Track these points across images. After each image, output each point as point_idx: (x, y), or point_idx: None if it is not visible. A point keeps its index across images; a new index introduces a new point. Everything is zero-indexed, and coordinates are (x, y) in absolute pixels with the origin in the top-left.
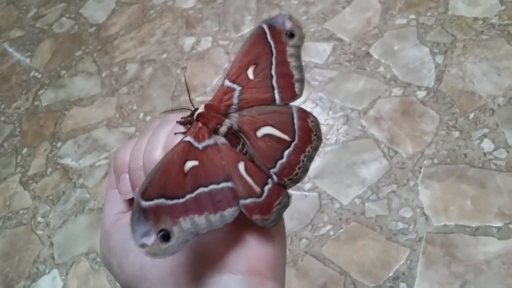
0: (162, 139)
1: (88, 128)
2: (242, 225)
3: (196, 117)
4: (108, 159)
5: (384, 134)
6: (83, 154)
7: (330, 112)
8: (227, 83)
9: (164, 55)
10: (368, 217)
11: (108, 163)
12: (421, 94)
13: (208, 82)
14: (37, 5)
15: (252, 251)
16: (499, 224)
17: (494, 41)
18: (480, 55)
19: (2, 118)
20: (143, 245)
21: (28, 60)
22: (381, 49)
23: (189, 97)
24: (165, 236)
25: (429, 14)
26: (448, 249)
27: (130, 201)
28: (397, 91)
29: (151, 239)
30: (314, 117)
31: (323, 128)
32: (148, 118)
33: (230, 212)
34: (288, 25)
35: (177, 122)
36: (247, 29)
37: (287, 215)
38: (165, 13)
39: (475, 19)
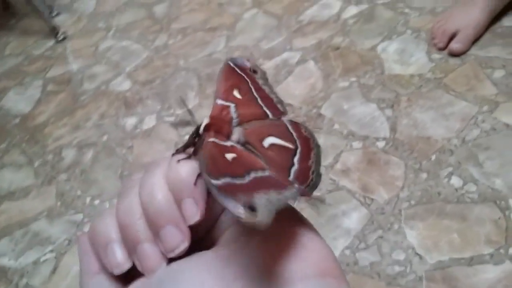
0: (159, 175)
1: (25, 222)
2: (287, 229)
3: (206, 127)
4: (54, 252)
5: (356, 184)
6: (22, 251)
7: None
8: (220, 101)
9: (105, 137)
10: (362, 266)
11: (55, 257)
12: (381, 144)
13: (158, 156)
14: None
15: (313, 252)
16: (490, 251)
17: (434, 92)
18: (425, 105)
19: None
20: (240, 215)
21: None
22: (331, 109)
23: (189, 110)
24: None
25: (367, 76)
26: (451, 283)
27: (120, 278)
28: (357, 144)
29: (241, 211)
30: (306, 127)
31: None
32: (96, 202)
33: (291, 190)
34: (248, 64)
35: (174, 154)
36: (192, 103)
37: None
38: (99, 97)
39: (411, 76)
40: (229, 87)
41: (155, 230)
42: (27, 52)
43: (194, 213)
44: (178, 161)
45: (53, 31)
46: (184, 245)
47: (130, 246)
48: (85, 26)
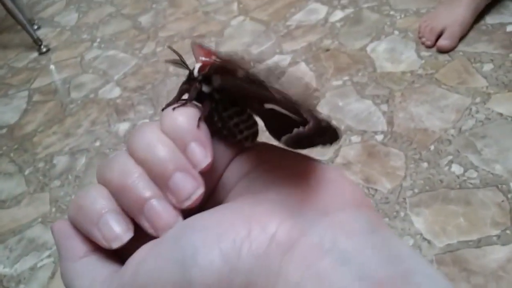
0: (154, 129)
1: (19, 229)
2: (311, 167)
3: (199, 70)
4: (52, 257)
5: (358, 176)
6: (18, 258)
7: None
8: (204, 58)
9: (98, 143)
10: None
11: (53, 261)
12: (379, 137)
13: None
14: None
15: (343, 185)
16: (497, 232)
17: (427, 87)
18: (419, 99)
19: None
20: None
21: None
22: (327, 106)
23: (181, 58)
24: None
25: (360, 74)
26: (461, 264)
27: (113, 257)
28: (355, 138)
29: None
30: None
31: None
32: None
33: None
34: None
35: (164, 108)
36: None
37: None
38: (88, 105)
39: (403, 72)
40: (207, 53)
41: (162, 183)
42: (9, 64)
43: (203, 155)
44: (174, 109)
45: (37, 43)
46: (200, 190)
47: (135, 209)
48: (68, 38)
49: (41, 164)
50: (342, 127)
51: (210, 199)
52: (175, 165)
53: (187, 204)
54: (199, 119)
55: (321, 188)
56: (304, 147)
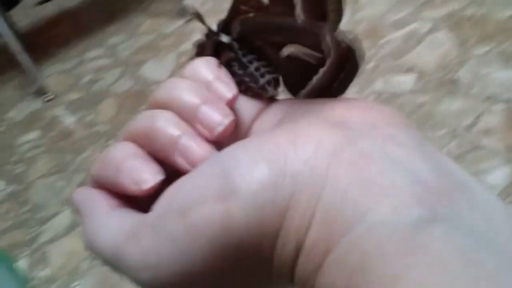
0: (176, 80)
1: None
2: (344, 100)
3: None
4: None
5: (499, 144)
6: None
7: (430, 131)
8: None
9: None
10: None
11: None
12: None
13: None
14: (90, 72)
15: (385, 108)
16: None
17: None
18: None
19: (72, 168)
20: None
21: (92, 116)
22: (468, 74)
23: (199, 16)
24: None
25: (507, 43)
26: None
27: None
28: (498, 106)
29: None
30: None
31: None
32: None
33: None
34: None
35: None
36: None
37: None
38: None
39: None
40: None
41: (191, 117)
42: (159, 30)
43: (227, 89)
44: (192, 59)
45: (181, 12)
46: (229, 118)
47: (168, 148)
48: (211, 7)
49: None
50: (485, 95)
51: None
52: (201, 99)
53: (219, 130)
54: (219, 63)
55: (361, 109)
56: (327, 95)
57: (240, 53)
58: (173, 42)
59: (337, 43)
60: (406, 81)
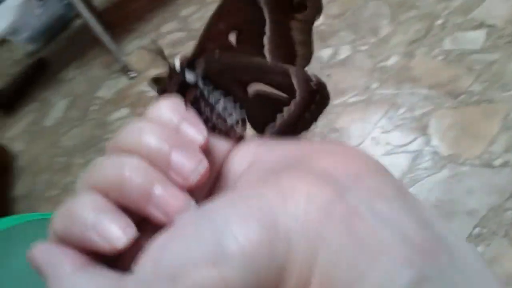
0: (141, 122)
1: None
2: (316, 144)
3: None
4: None
5: None
6: None
7: (500, 90)
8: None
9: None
10: None
11: None
12: None
13: (356, 84)
14: (168, 46)
15: (357, 153)
16: None
17: None
18: None
19: None
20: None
21: None
22: None
23: (162, 54)
24: None
25: None
26: None
27: (113, 265)
28: None
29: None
30: (319, 79)
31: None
32: None
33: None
34: None
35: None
36: (386, 31)
37: (484, 191)
38: None
39: None
40: (223, 29)
41: (163, 165)
42: None
43: (197, 132)
44: (156, 99)
45: None
46: (204, 165)
47: (140, 199)
48: None
49: None
50: None
51: (211, 196)
52: (172, 144)
53: (194, 178)
54: (185, 103)
55: (339, 157)
56: (292, 132)
57: (206, 90)
58: None
59: (307, 80)
60: (475, 38)
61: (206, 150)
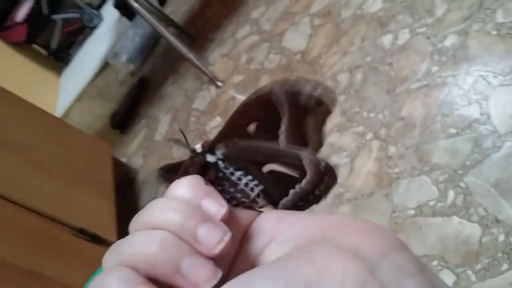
0: (164, 201)
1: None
2: (335, 218)
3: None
4: (348, 157)
5: None
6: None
7: None
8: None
9: (368, 58)
10: None
11: (350, 160)
12: None
13: (417, 69)
14: (245, 51)
15: (378, 228)
16: None
17: None
18: None
19: None
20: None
21: None
22: None
23: (184, 137)
24: None
25: None
26: None
27: None
28: None
29: None
30: (327, 163)
31: None
32: (372, 114)
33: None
34: (318, 92)
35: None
36: (441, 10)
37: None
38: (357, 22)
39: None
40: (246, 120)
41: (189, 238)
42: None
43: (219, 206)
44: (178, 178)
45: None
46: (228, 235)
47: (170, 271)
48: None
49: (329, 83)
50: None
51: (233, 270)
52: (197, 218)
53: (220, 249)
54: (205, 180)
55: (363, 233)
56: (303, 206)
57: (228, 171)
58: (305, 3)
59: (317, 164)
60: None
61: (229, 222)
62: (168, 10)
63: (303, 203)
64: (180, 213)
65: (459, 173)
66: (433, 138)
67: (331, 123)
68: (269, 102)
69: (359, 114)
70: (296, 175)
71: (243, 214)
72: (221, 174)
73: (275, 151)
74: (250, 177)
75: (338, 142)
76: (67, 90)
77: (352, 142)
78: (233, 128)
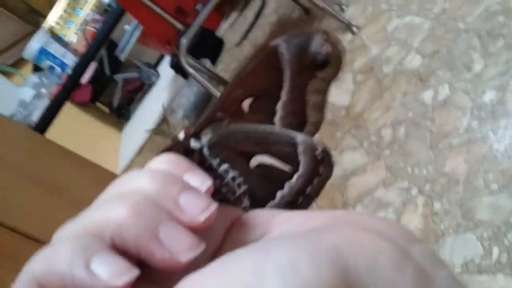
0: (140, 173)
1: (369, 191)
2: (328, 213)
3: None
4: (394, 212)
5: None
6: (372, 213)
7: None
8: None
9: (410, 113)
10: None
11: (396, 216)
12: None
13: (458, 124)
14: None
15: (388, 224)
16: None
17: None
18: None
19: None
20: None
21: None
22: None
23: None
24: None
25: None
26: None
27: None
28: None
29: None
30: (325, 148)
31: None
32: (416, 170)
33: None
34: (324, 49)
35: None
36: (478, 66)
37: None
38: (398, 78)
39: None
40: (238, 96)
41: (170, 205)
42: None
43: (203, 178)
44: (157, 155)
45: (349, 26)
46: (213, 206)
47: (146, 236)
48: (371, 12)
49: (373, 138)
50: None
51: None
52: (179, 186)
53: (205, 215)
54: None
55: (381, 221)
56: (296, 205)
57: (214, 162)
58: (347, 59)
59: (313, 149)
60: None
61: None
62: (219, 67)
63: (290, 207)
64: (160, 179)
65: (502, 231)
66: (476, 194)
67: (377, 177)
68: (274, 63)
69: (404, 169)
70: (287, 170)
71: (227, 210)
72: (206, 164)
73: (268, 135)
74: (237, 172)
75: (383, 197)
76: (129, 144)
77: (398, 197)
78: (225, 107)
